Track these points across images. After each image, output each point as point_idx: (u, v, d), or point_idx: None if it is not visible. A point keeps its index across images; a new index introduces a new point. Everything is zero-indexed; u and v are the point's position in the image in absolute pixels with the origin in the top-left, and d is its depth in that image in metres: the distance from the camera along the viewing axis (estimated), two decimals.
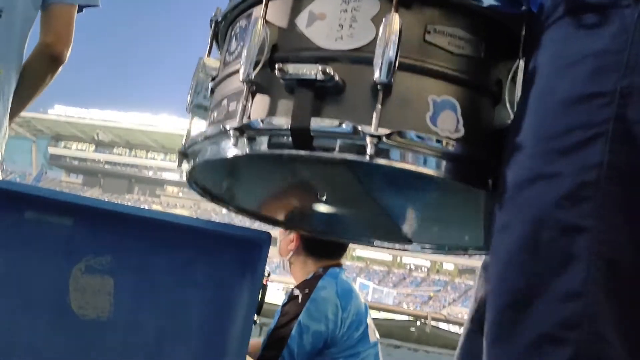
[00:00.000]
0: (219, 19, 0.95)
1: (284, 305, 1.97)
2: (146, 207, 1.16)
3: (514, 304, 0.66)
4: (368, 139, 0.71)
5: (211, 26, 0.98)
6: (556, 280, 0.63)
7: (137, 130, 62.65)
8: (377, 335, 2.06)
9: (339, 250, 2.11)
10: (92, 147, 68.35)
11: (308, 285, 1.97)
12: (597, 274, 0.61)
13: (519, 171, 0.69)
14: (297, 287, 2.00)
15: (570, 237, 0.63)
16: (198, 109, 0.98)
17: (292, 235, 2.04)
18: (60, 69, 1.78)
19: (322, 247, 2.03)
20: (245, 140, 0.78)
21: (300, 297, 1.93)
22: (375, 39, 0.74)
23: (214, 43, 1.00)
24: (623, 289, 0.61)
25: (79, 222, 1.04)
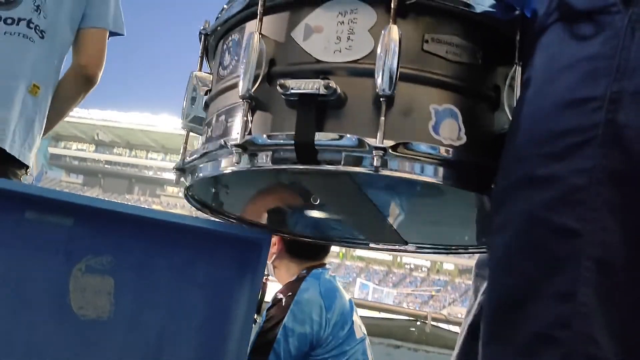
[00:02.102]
0: (209, 33, 0.95)
1: (268, 309, 1.97)
2: (146, 207, 1.16)
3: (507, 304, 0.67)
4: (374, 152, 0.71)
5: (200, 39, 0.97)
6: (548, 281, 0.63)
7: (137, 130, 62.64)
8: (364, 331, 2.06)
9: (322, 251, 2.11)
10: (92, 147, 68.35)
11: (291, 288, 1.96)
12: (588, 275, 0.62)
13: (514, 174, 0.70)
14: (281, 291, 2.00)
15: (562, 239, 0.63)
16: (193, 122, 0.97)
17: (274, 239, 2.03)
18: (92, 89, 1.84)
19: (305, 248, 2.03)
20: (247, 156, 0.78)
21: (283, 301, 1.93)
22: (374, 50, 0.74)
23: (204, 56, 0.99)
24: (614, 290, 0.62)
25: (79, 222, 1.04)
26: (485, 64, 0.80)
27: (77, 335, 1.04)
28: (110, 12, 1.82)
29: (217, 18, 0.92)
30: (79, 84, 1.80)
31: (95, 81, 1.81)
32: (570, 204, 0.63)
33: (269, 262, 2.09)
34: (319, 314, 1.91)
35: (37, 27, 1.65)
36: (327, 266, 2.11)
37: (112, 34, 1.84)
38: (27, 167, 1.72)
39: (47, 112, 1.74)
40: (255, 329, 1.88)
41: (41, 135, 1.75)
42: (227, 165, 0.82)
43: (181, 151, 0.97)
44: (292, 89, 0.74)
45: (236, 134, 0.79)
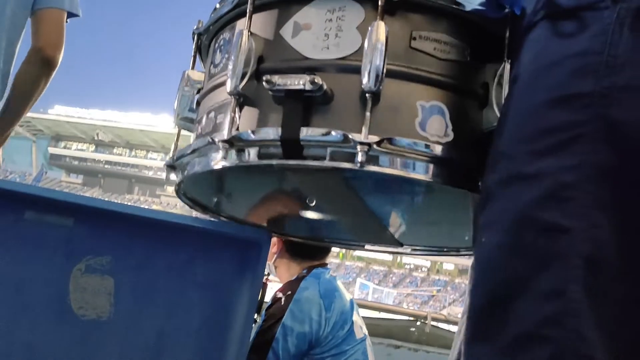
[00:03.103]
0: (201, 32, 0.96)
1: (267, 308, 1.97)
2: (146, 207, 1.16)
3: (494, 302, 0.66)
4: (358, 147, 0.71)
5: (194, 39, 0.98)
6: (537, 278, 0.63)
7: (137, 130, 62.66)
8: (365, 331, 2.06)
9: (322, 251, 2.11)
10: (92, 147, 68.34)
11: (290, 288, 1.97)
12: (578, 273, 0.61)
13: (502, 171, 0.69)
14: (280, 290, 2.00)
15: (551, 236, 0.63)
16: (185, 122, 0.98)
17: (274, 239, 2.03)
18: (53, 72, 1.79)
19: (305, 248, 2.02)
20: (234, 152, 0.79)
21: (283, 299, 1.93)
22: (361, 47, 0.74)
23: (197, 55, 1.00)
24: (604, 287, 0.62)
25: (79, 222, 1.04)
26: (473, 61, 0.81)
27: (77, 336, 1.04)
28: None
29: (210, 17, 0.93)
30: (37, 68, 1.75)
31: (54, 63, 1.76)
32: (559, 201, 0.63)
33: (270, 262, 2.09)
34: (318, 313, 1.91)
35: None
36: (328, 266, 2.11)
37: (68, 15, 1.79)
38: None
39: (3, 98, 1.69)
40: (254, 328, 1.88)
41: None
42: (215, 161, 0.83)
43: (172, 148, 0.97)
44: (278, 85, 0.75)
45: (224, 130, 0.80)
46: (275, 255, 2.08)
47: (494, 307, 0.66)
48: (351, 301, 2.05)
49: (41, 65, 1.75)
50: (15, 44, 1.75)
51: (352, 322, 1.99)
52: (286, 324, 1.87)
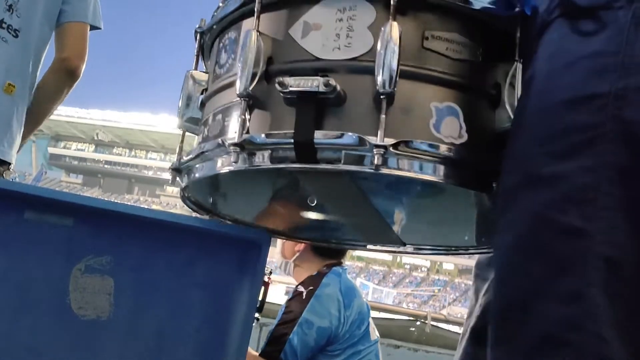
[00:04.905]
0: (204, 31, 0.94)
1: (288, 300, 1.99)
2: (146, 207, 1.16)
3: (515, 305, 0.66)
4: (374, 150, 0.70)
5: (196, 38, 0.96)
6: (557, 281, 0.63)
7: (137, 130, 62.66)
8: (377, 334, 2.08)
9: (341, 250, 2.13)
10: (92, 147, 68.36)
11: (312, 283, 1.98)
12: (598, 276, 0.61)
13: (520, 173, 0.69)
14: (302, 283, 2.01)
15: (571, 238, 0.63)
16: (189, 123, 0.96)
17: None
18: (76, 82, 1.86)
19: (328, 248, 2.04)
20: (245, 155, 0.77)
21: (304, 294, 1.95)
22: (373, 47, 0.73)
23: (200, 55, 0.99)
24: (624, 290, 0.61)
25: (79, 222, 1.04)
26: (485, 61, 0.80)
27: (77, 336, 1.04)
28: (89, 6, 1.84)
29: (213, 16, 0.92)
30: (61, 77, 1.81)
31: (77, 74, 1.82)
32: (578, 203, 0.63)
33: (290, 260, 2.11)
34: (337, 309, 1.93)
35: (10, 27, 1.67)
36: (345, 266, 2.14)
37: (91, 27, 1.85)
38: (9, 164, 1.75)
39: (25, 109, 1.74)
40: (256, 327, 1.89)
41: (21, 132, 1.76)
42: (224, 164, 0.82)
43: (177, 151, 0.96)
44: (291, 87, 0.74)
45: (233, 133, 0.78)
46: (298, 254, 2.10)
47: (515, 310, 0.65)
48: (366, 304, 2.07)
49: (65, 74, 1.81)
50: (42, 54, 1.80)
51: (369, 323, 2.01)
52: (306, 317, 1.89)
